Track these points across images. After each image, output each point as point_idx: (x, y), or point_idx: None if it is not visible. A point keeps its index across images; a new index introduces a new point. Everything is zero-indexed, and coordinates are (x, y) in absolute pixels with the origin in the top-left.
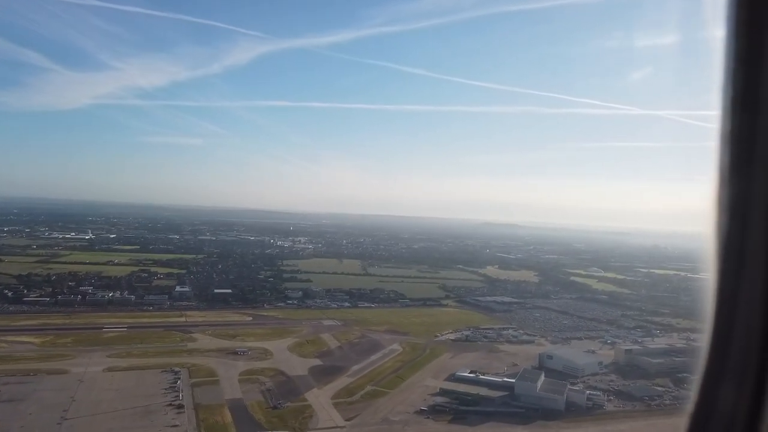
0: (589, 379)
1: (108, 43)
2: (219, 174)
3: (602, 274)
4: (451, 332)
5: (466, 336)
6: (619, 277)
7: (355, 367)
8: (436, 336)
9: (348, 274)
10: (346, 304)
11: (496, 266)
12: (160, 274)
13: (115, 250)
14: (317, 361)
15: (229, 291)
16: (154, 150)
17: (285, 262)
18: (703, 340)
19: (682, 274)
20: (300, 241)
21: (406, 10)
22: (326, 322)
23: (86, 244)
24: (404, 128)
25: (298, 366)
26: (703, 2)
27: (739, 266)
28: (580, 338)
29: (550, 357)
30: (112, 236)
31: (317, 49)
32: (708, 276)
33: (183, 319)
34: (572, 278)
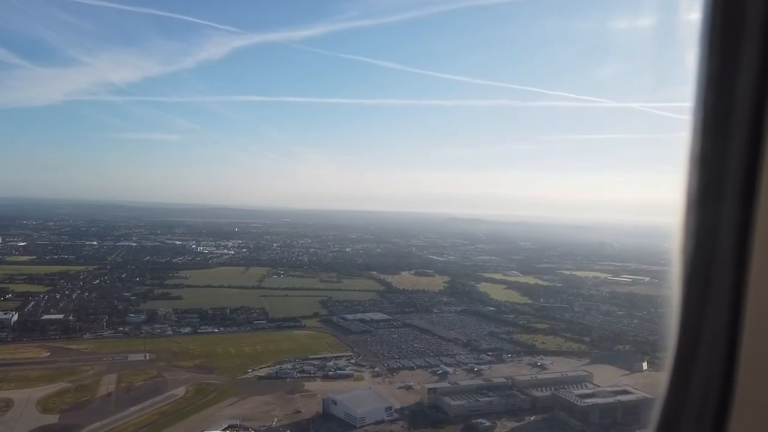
0: (367, 431)
1: (77, 38)
2: (193, 170)
3: (517, 278)
4: (269, 366)
5: (278, 372)
6: (532, 282)
7: (94, 426)
8: (246, 372)
9: (236, 287)
10: (187, 329)
11: (412, 272)
12: (12, 293)
13: (6, 263)
14: (53, 419)
15: (60, 317)
16: (127, 147)
17: (181, 273)
18: (665, 370)
19: (603, 276)
20: (227, 245)
21: (379, 3)
22: (133, 357)
23: None
24: (379, 122)
25: (21, 428)
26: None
27: (703, 294)
28: (412, 368)
29: (334, 402)
30: (21, 244)
31: (291, 44)
32: (671, 303)
33: None
34: (480, 284)
